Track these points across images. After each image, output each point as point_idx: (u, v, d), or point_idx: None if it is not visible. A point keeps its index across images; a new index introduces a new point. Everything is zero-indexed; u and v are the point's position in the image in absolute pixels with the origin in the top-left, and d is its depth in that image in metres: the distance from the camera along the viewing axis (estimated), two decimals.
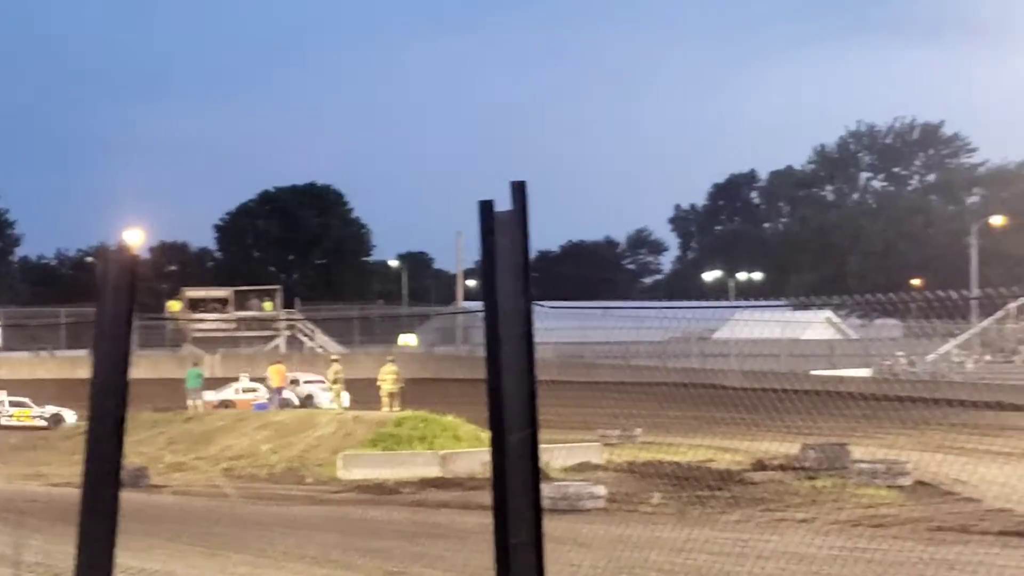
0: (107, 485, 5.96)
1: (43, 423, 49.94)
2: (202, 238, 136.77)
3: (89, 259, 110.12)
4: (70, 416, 48.87)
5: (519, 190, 5.07)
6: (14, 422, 50.70)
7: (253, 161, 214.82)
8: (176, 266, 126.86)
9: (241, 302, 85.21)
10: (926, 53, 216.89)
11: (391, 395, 44.57)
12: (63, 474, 30.85)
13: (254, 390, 51.96)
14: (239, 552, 21.08)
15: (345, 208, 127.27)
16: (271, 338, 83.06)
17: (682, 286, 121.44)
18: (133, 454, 35.82)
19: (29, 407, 51.47)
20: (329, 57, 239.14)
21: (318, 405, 49.58)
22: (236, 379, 55.24)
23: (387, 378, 45.02)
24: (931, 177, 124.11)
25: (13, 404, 51.91)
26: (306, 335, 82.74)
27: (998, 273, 79.88)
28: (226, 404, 50.20)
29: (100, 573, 5.87)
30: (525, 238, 5.08)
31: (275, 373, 51.21)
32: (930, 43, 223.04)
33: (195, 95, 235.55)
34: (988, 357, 62.93)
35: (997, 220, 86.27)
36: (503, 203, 5.07)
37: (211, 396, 50.80)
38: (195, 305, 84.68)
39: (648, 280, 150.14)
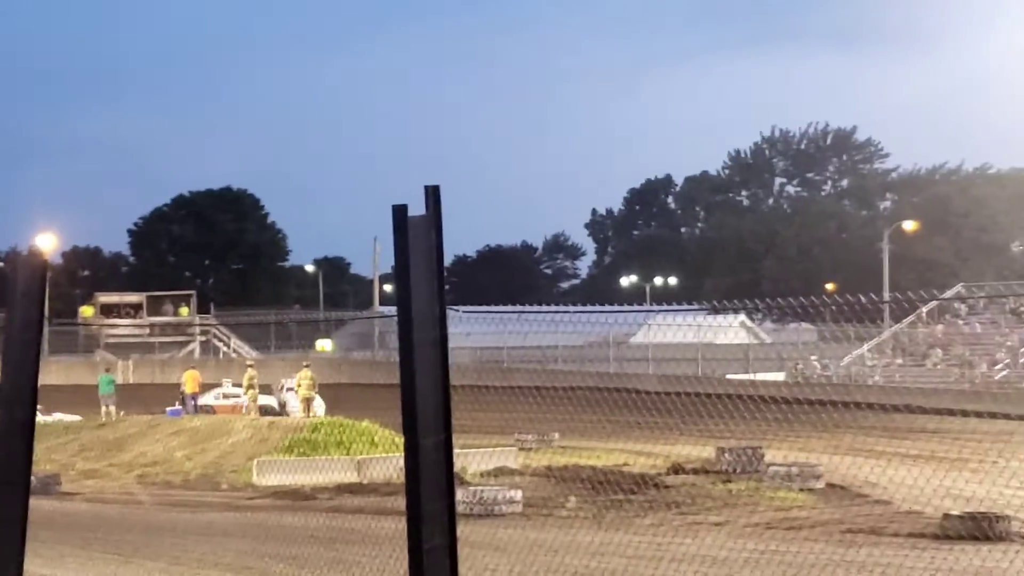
0: (15, 493, 5.90)
1: None
2: (116, 243, 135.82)
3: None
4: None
5: (432, 195, 5.08)
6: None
7: (168, 165, 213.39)
8: (89, 271, 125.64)
9: (155, 307, 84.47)
10: (839, 59, 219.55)
11: (307, 400, 44.41)
12: None
13: (236, 396, 50.57)
14: (153, 559, 20.90)
15: (261, 213, 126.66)
16: (186, 343, 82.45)
17: (599, 291, 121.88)
18: (44, 461, 35.44)
19: None
20: (246, 61, 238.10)
21: (290, 412, 48.25)
22: (219, 384, 53.70)
23: (303, 383, 44.85)
24: (844, 182, 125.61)
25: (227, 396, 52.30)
26: (221, 340, 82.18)
27: (910, 278, 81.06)
28: (207, 410, 48.97)
29: None
30: (439, 242, 5.09)
31: (190, 379, 50.87)
32: (843, 49, 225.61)
33: (111, 97, 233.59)
34: (899, 361, 63.71)
35: (909, 225, 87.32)
36: (418, 208, 5.09)
37: (205, 400, 50.62)
38: (108, 310, 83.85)
39: (565, 285, 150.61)
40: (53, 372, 59.11)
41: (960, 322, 67.19)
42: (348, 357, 79.30)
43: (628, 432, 36.82)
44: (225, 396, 51.83)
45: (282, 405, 50.67)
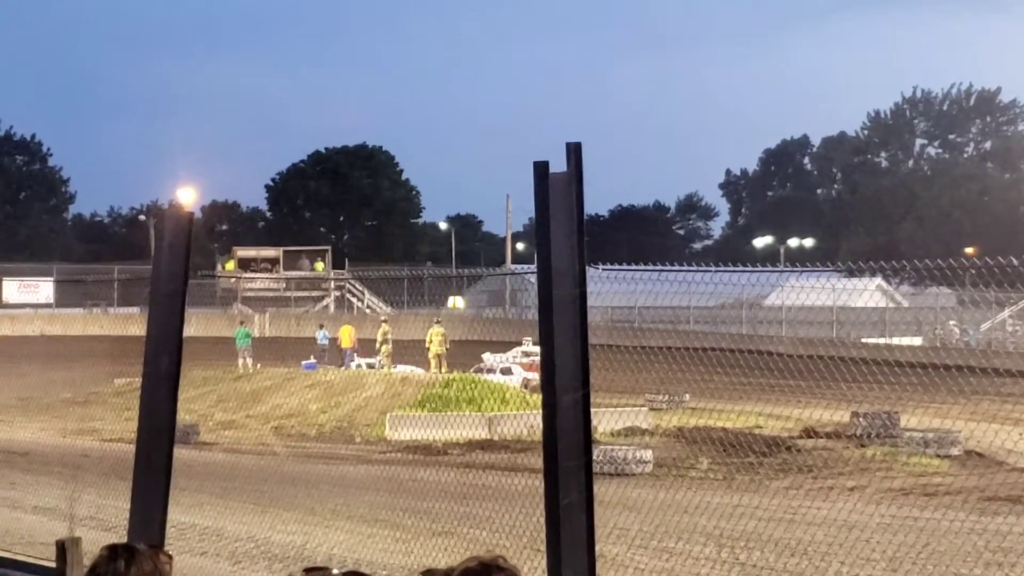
0: (161, 441, 6.00)
1: None
2: (253, 198, 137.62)
3: (142, 217, 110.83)
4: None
5: (574, 152, 5.05)
6: None
7: (305, 121, 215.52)
8: (227, 225, 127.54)
9: (291, 262, 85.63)
10: (983, 18, 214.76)
11: (438, 356, 44.67)
12: (115, 430, 31.14)
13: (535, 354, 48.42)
14: (288, 510, 21.22)
15: (396, 170, 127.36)
16: (320, 298, 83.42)
17: (732, 252, 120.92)
18: (183, 411, 36.10)
19: None
20: (383, 17, 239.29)
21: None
22: (519, 343, 49.43)
23: (434, 339, 45.12)
24: (987, 145, 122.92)
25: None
26: (355, 296, 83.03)
27: None
28: (506, 371, 45.47)
29: (153, 528, 5.91)
30: (580, 199, 5.06)
31: (345, 334, 51.66)
32: (988, 8, 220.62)
33: (250, 52, 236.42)
34: None
35: None
36: (558, 165, 5.06)
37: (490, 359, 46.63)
38: (245, 265, 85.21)
39: (698, 245, 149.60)
40: (192, 324, 59.95)
41: None
42: (480, 314, 79.65)
43: (760, 394, 36.52)
44: (526, 355, 47.91)
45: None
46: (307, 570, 4.02)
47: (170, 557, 4.66)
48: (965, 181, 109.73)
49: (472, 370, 43.18)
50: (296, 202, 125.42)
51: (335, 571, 4.02)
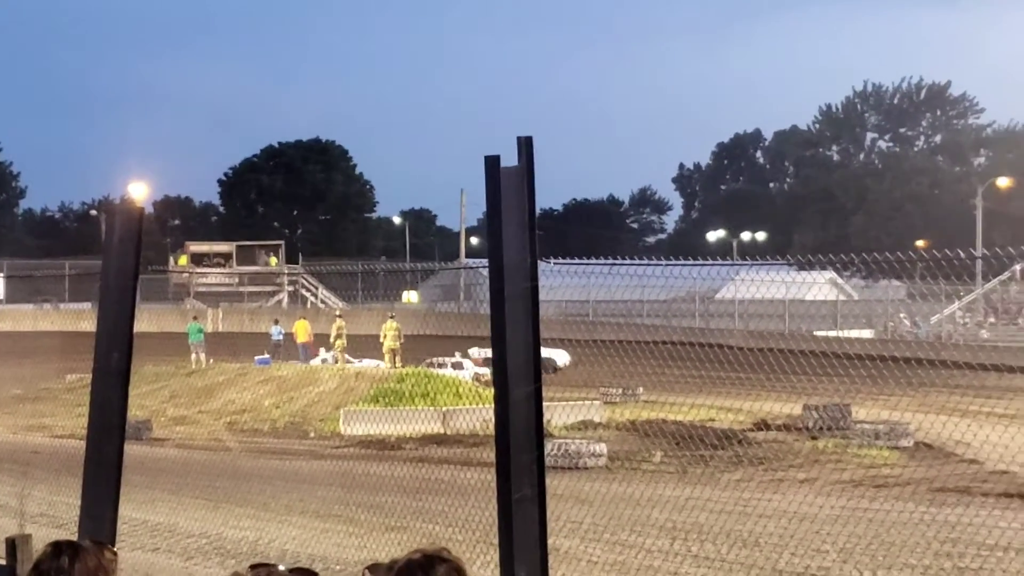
0: (112, 437, 5.97)
1: None
2: (206, 193, 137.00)
3: (93, 212, 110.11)
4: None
5: (525, 146, 5.05)
6: None
7: (258, 116, 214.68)
8: (180, 220, 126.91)
9: (245, 257, 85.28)
10: (934, 13, 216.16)
11: (392, 351, 44.61)
12: (66, 426, 30.95)
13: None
14: (242, 506, 21.17)
15: (349, 164, 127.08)
16: (274, 293, 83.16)
17: (685, 245, 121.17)
18: (135, 407, 35.91)
19: None
20: (337, 12, 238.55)
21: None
22: (480, 338, 49.62)
23: (388, 334, 45.05)
24: (937, 138, 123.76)
25: None
26: (309, 290, 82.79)
27: (1004, 235, 79.79)
28: (456, 366, 45.56)
29: (104, 524, 5.89)
30: (531, 194, 5.07)
31: (300, 329, 51.57)
32: (938, 3, 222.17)
33: (203, 48, 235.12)
34: (992, 320, 62.94)
35: (1003, 182, 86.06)
36: (509, 159, 5.06)
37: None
38: (198, 260, 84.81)
39: (651, 239, 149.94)
40: (144, 320, 59.76)
41: None
42: (434, 309, 79.56)
43: (713, 387, 36.63)
44: None
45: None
46: (253, 566, 4.01)
47: (115, 553, 4.65)
48: (916, 174, 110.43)
49: (425, 364, 43.18)
50: (249, 197, 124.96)
51: (281, 567, 4.01)
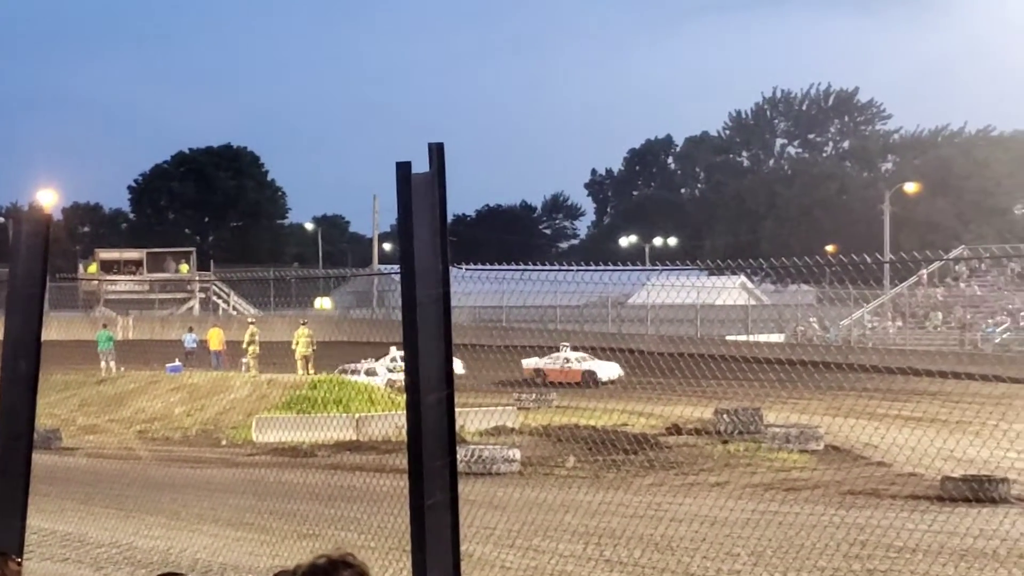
0: (19, 446, 5.91)
1: None
2: (116, 200, 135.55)
3: (0, 219, 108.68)
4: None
5: (436, 152, 5.06)
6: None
7: (169, 122, 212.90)
8: (89, 227, 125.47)
9: (155, 264, 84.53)
10: (842, 20, 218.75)
11: (305, 358, 44.44)
12: None
13: (586, 359, 45.61)
14: (153, 515, 20.98)
15: (261, 170, 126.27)
16: (185, 300, 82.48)
17: (598, 251, 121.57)
18: (45, 416, 35.48)
19: None
20: (246, 19, 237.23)
21: None
22: (557, 348, 47.29)
23: (301, 341, 44.87)
24: (846, 144, 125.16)
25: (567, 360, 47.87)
26: (221, 297, 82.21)
27: (911, 240, 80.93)
28: (539, 372, 44.64)
29: (11, 535, 5.82)
30: (443, 199, 5.08)
31: (214, 336, 51.20)
32: (845, 10, 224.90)
33: (111, 53, 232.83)
34: (899, 323, 63.74)
35: (910, 187, 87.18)
36: (421, 165, 5.07)
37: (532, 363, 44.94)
38: (108, 267, 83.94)
39: (564, 245, 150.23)
40: (53, 328, 58.98)
41: (961, 284, 67.17)
42: (347, 315, 79.30)
43: (627, 392, 36.85)
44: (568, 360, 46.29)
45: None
46: None
47: (20, 564, 4.60)
48: (824, 180, 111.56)
49: (338, 371, 43.04)
50: (160, 203, 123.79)
51: None
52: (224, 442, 34.20)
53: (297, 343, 44.99)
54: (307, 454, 30.57)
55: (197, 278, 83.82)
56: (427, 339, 5.04)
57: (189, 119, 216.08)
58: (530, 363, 44.13)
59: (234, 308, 79.38)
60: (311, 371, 43.35)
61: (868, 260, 11.69)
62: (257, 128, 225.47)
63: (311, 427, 32.77)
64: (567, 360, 45.66)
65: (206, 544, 18.05)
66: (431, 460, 5.05)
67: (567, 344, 47.58)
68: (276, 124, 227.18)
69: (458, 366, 44.25)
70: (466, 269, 15.39)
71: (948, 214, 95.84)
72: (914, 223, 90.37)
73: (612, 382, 42.21)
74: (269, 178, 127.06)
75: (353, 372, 43.52)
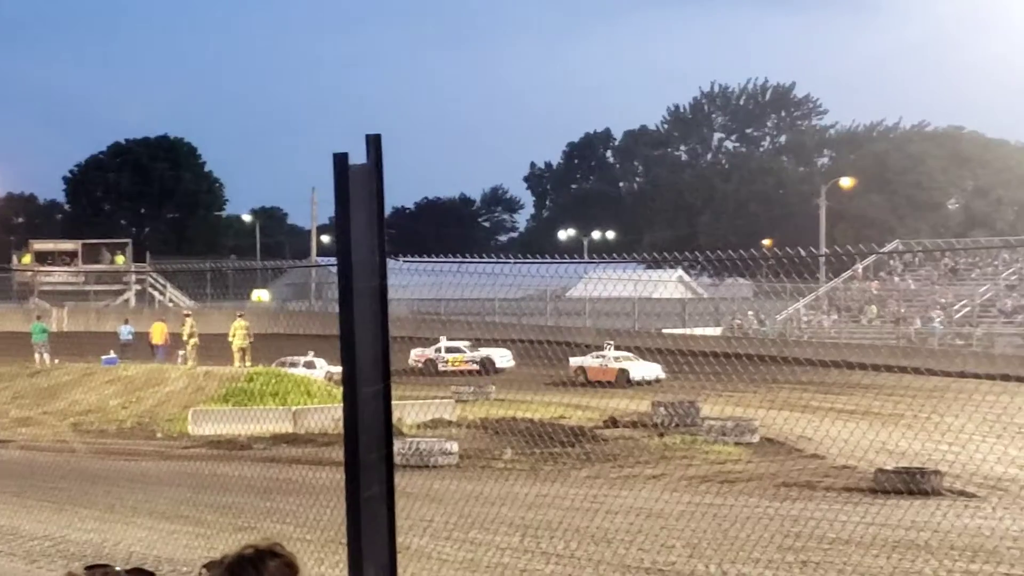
0: None
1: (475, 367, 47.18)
2: (51, 191, 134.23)
3: None
4: (503, 360, 46.36)
5: (374, 143, 5.04)
6: (450, 367, 47.68)
7: (105, 113, 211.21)
8: (23, 218, 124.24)
9: (90, 255, 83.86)
10: (779, 16, 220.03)
11: (242, 350, 44.23)
12: None
13: (630, 359, 43.83)
14: (87, 507, 20.84)
15: (198, 161, 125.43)
16: (121, 292, 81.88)
17: (537, 244, 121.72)
18: None
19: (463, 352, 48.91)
20: (184, 9, 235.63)
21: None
22: (600, 347, 45.33)
23: (238, 333, 44.66)
24: (782, 138, 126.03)
25: (449, 350, 49.03)
26: (157, 289, 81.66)
27: (847, 234, 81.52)
28: (581, 370, 43.48)
29: None
30: (380, 191, 5.06)
31: (157, 331, 50.85)
32: (784, 7, 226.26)
33: (47, 43, 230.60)
34: (834, 317, 64.24)
35: (846, 182, 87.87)
36: (359, 157, 5.05)
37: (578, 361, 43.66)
38: (43, 258, 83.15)
39: (503, 238, 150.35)
40: None
41: (896, 278, 67.78)
42: (285, 308, 79.04)
43: (565, 385, 36.96)
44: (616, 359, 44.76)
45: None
46: (89, 567, 3.95)
47: None
48: (761, 174, 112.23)
49: (276, 364, 42.93)
50: (95, 194, 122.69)
51: (118, 568, 3.95)
52: (160, 434, 34.01)
53: (234, 335, 44.77)
54: (244, 447, 30.46)
55: (133, 269, 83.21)
56: (363, 331, 5.02)
57: (126, 110, 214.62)
58: (576, 361, 43.32)
59: (170, 300, 78.89)
60: (248, 363, 43.16)
61: (803, 253, 11.77)
62: (195, 119, 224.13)
63: (248, 420, 32.66)
64: (606, 358, 44.68)
65: (141, 537, 17.94)
66: (367, 453, 5.03)
67: (611, 343, 45.87)
68: (214, 115, 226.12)
69: (507, 357, 44.59)
70: (403, 261, 15.37)
71: (883, 209, 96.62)
72: (849, 217, 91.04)
73: (648, 382, 41.62)
74: (206, 169, 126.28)
75: (292, 365, 43.46)
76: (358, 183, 4.99)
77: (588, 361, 44.00)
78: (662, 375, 40.32)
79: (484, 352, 48.13)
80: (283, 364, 43.41)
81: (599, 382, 41.53)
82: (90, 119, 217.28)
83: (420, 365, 46.99)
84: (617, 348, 44.59)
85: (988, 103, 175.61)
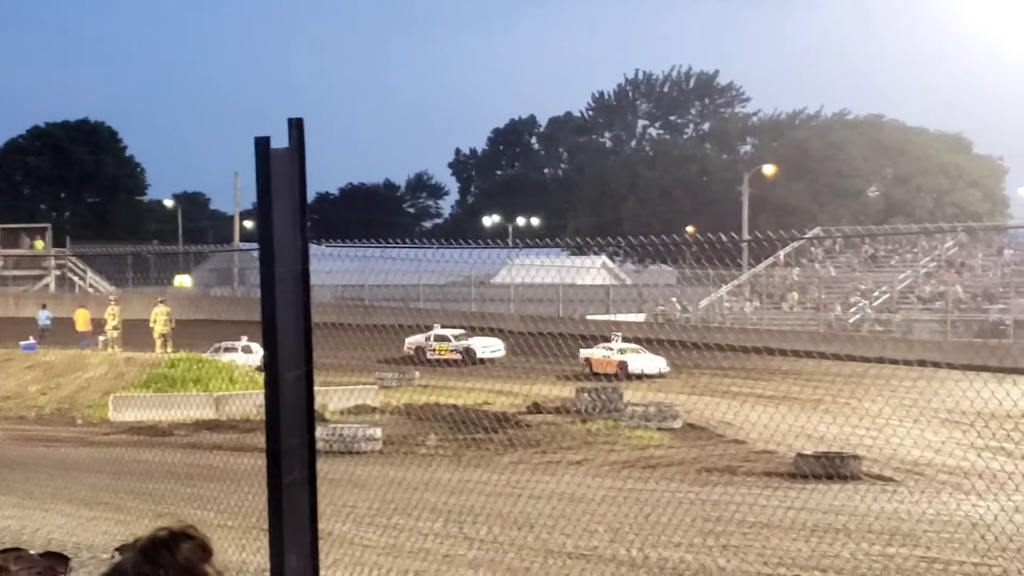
0: None
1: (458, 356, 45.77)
2: None
3: None
4: (486, 350, 44.19)
5: (296, 127, 5.03)
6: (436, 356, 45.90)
7: (24, 96, 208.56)
8: None
9: (9, 240, 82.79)
10: (703, 4, 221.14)
11: (163, 336, 43.90)
12: None
13: (637, 351, 40.81)
14: (6, 494, 20.63)
15: (119, 146, 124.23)
16: (40, 277, 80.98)
17: (462, 230, 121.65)
18: None
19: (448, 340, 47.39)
20: None
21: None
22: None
23: (159, 319, 44.32)
24: (706, 126, 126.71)
25: (438, 338, 47.30)
26: (77, 274, 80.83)
27: (769, 221, 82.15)
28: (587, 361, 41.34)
29: None
30: (302, 175, 5.04)
31: (80, 317, 50.34)
32: None
33: None
34: (756, 303, 64.73)
35: (768, 169, 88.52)
36: (281, 142, 5.04)
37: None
38: None
39: (428, 224, 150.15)
40: None
41: (816, 265, 68.39)
42: (207, 293, 78.52)
43: (488, 371, 36.99)
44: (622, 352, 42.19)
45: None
46: (1, 551, 3.92)
47: None
48: (685, 161, 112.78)
49: (212, 350, 42.64)
50: (14, 178, 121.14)
51: (32, 552, 3.93)
52: (80, 421, 33.71)
53: (155, 321, 44.43)
54: (165, 433, 30.25)
55: (52, 254, 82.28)
56: (285, 316, 5.01)
57: (45, 93, 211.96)
58: (584, 353, 41.27)
59: (91, 285, 78.09)
60: (170, 349, 42.84)
61: (724, 239, 11.87)
62: (116, 103, 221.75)
63: (169, 406, 32.44)
64: (610, 350, 42.23)
65: (60, 524, 17.80)
66: (289, 438, 5.02)
67: (619, 333, 43.99)
68: (136, 100, 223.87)
69: (495, 348, 43.47)
70: (326, 245, 15.34)
71: (804, 196, 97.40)
72: (772, 205, 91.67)
73: (642, 376, 39.66)
74: (128, 154, 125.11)
75: (227, 350, 43.09)
76: (280, 167, 4.97)
77: (594, 352, 41.81)
78: (665, 369, 38.17)
79: (467, 342, 46.46)
80: (219, 349, 43.12)
81: (604, 374, 39.50)
82: (9, 102, 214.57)
83: (412, 353, 45.22)
84: (625, 340, 42.44)
85: (908, 92, 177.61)
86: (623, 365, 40.90)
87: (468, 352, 45.59)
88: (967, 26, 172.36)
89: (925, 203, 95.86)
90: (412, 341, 46.09)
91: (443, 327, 47.67)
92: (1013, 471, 19.26)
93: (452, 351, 46.52)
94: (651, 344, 36.08)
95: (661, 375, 38.34)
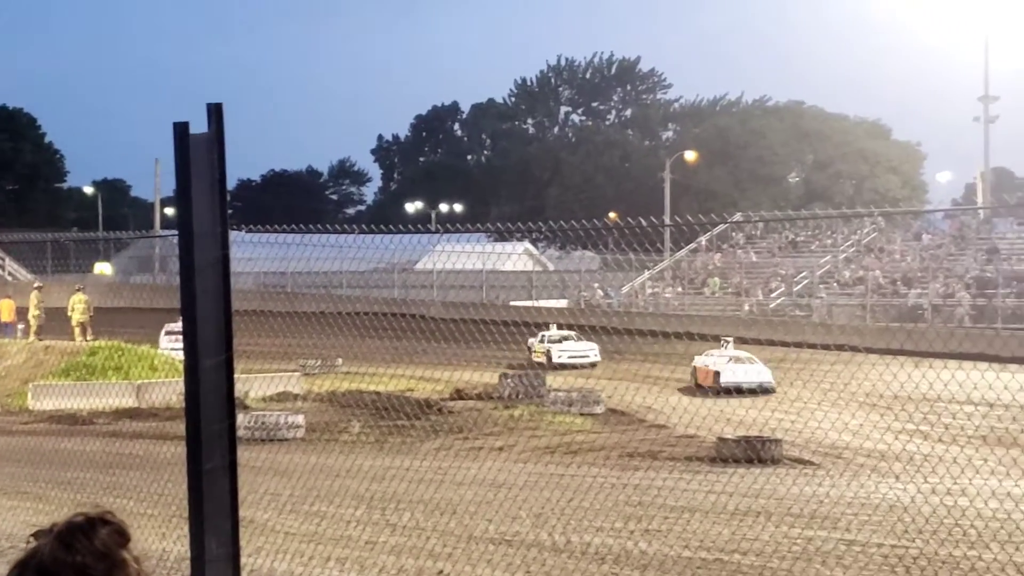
0: None
1: None
2: None
3: None
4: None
5: (215, 113, 5.02)
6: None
7: None
8: None
9: None
10: None
11: (82, 325, 43.47)
12: None
13: (738, 359, 35.71)
14: None
15: (38, 132, 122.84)
16: None
17: (385, 217, 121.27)
18: None
19: None
20: None
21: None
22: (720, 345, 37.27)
23: (77, 307, 43.88)
24: (628, 112, 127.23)
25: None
26: None
27: (691, 207, 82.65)
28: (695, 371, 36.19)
29: None
30: (222, 161, 5.04)
31: (5, 308, 49.77)
32: None
33: None
34: (679, 288, 65.11)
35: (690, 155, 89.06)
36: (200, 127, 5.03)
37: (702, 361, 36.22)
38: None
39: (351, 211, 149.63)
40: None
41: (738, 251, 68.90)
42: (128, 281, 77.84)
43: (412, 358, 36.91)
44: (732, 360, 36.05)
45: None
46: None
47: None
48: (607, 147, 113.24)
49: (164, 332, 41.92)
50: None
51: None
52: None
53: (73, 310, 43.96)
54: (85, 422, 29.96)
55: None
56: (205, 303, 5.01)
57: None
58: (696, 361, 36.39)
59: (10, 274, 77.17)
60: (89, 338, 42.42)
61: (646, 224, 11.96)
62: (34, 90, 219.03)
63: (90, 394, 32.10)
64: (714, 358, 36.13)
65: None
66: (209, 424, 5.02)
67: (728, 339, 38.17)
68: (54, 86, 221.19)
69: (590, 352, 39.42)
70: (247, 231, 15.26)
71: (726, 182, 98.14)
72: (693, 190, 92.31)
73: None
74: (47, 140, 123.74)
75: (179, 333, 42.30)
76: (199, 153, 4.97)
77: (699, 361, 36.21)
78: (768, 380, 32.90)
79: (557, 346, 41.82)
80: (172, 333, 42.41)
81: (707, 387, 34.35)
82: None
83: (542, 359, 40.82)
84: (737, 347, 37.57)
85: (828, 79, 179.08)
86: (716, 376, 34.59)
87: (547, 355, 41.52)
88: (882, 13, 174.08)
89: (845, 189, 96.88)
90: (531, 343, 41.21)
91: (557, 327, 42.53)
92: (930, 453, 19.58)
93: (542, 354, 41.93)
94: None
95: (764, 390, 32.40)
